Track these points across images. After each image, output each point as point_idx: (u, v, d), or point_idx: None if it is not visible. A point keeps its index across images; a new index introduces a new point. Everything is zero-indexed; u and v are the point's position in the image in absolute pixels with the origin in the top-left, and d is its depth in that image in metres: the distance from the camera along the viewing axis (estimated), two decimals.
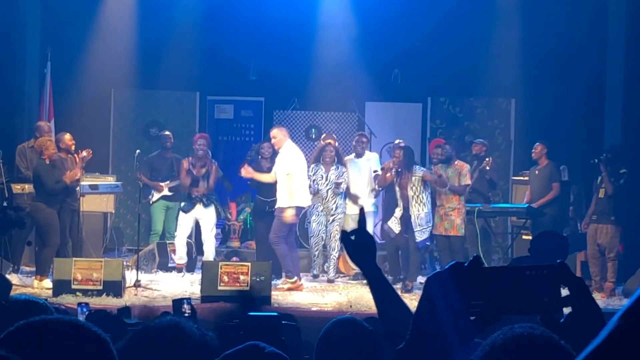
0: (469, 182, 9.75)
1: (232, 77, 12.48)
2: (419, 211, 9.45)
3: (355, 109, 12.41)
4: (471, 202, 10.10)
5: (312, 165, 9.93)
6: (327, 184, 9.80)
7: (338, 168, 9.86)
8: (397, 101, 12.59)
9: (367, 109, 12.55)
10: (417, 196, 9.44)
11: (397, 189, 9.52)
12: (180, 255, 10.01)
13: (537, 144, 10.26)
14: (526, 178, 10.74)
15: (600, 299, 8.87)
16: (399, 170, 9.45)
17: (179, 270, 9.99)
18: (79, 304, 5.80)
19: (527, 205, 10.11)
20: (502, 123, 12.65)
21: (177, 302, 5.79)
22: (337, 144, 10.91)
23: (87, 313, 5.37)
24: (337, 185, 9.77)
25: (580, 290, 1.60)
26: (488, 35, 12.18)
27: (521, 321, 1.55)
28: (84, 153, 9.19)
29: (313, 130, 12.66)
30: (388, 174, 9.59)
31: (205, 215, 9.99)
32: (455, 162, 9.84)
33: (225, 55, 12.12)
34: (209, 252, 9.96)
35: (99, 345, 1.51)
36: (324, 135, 11.23)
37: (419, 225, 9.44)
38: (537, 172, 10.22)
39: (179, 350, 2.04)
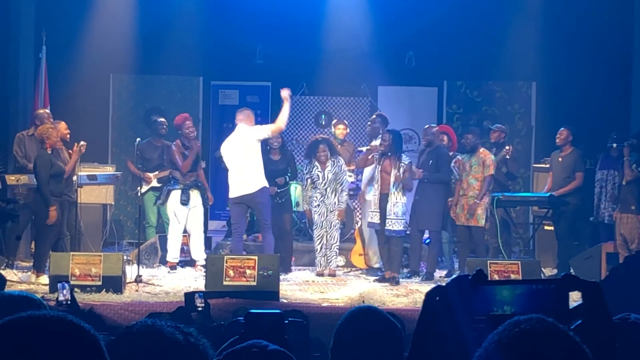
0: (492, 172, 9.51)
1: (237, 61, 12.31)
2: (397, 199, 9.19)
3: (367, 94, 12.22)
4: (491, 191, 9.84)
5: (305, 162, 9.80)
6: (324, 183, 9.62)
7: (334, 163, 9.68)
8: (412, 85, 12.44)
9: (380, 94, 12.37)
10: (398, 184, 9.19)
11: (377, 171, 9.26)
12: (174, 255, 9.58)
13: (563, 128, 10.04)
14: (548, 165, 10.51)
15: None
16: (387, 153, 9.20)
17: (172, 268, 9.54)
18: (59, 282, 5.61)
19: (549, 194, 9.86)
20: (522, 108, 12.47)
21: (189, 296, 5.68)
22: (348, 130, 10.88)
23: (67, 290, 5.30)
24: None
25: (594, 297, 1.62)
26: (507, 14, 11.97)
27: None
28: (82, 143, 9.05)
29: (323, 116, 12.51)
30: (370, 156, 9.41)
31: (197, 203, 9.59)
32: (480, 151, 9.60)
33: (230, 37, 11.94)
34: (199, 247, 9.58)
35: (89, 343, 1.48)
36: (334, 121, 11.06)
37: (394, 214, 9.17)
38: (560, 158, 10.01)
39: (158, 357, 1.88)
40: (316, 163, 9.61)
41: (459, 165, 9.61)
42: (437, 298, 1.64)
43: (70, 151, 9.17)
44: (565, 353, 1.42)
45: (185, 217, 9.51)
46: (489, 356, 1.44)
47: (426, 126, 10.01)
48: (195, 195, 9.52)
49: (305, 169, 9.72)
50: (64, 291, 5.58)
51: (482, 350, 1.47)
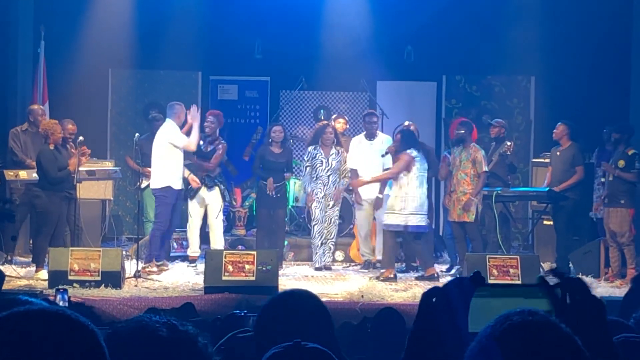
0: (485, 169, 9.44)
1: (236, 56, 12.22)
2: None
3: (366, 89, 12.13)
4: (489, 186, 9.78)
5: (310, 148, 9.71)
6: (327, 170, 9.57)
7: (338, 152, 9.66)
8: (411, 80, 12.32)
9: (379, 89, 12.26)
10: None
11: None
12: (194, 249, 9.70)
13: (559, 123, 9.98)
14: (547, 160, 10.45)
15: (618, 286, 8.71)
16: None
17: (192, 262, 9.64)
18: (57, 290, 5.53)
19: (547, 189, 9.81)
20: (521, 102, 12.38)
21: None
22: (347, 125, 10.82)
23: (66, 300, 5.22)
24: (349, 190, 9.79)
25: (578, 291, 1.62)
26: (506, 9, 11.87)
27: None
28: (87, 151, 9.08)
29: (322, 111, 12.37)
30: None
31: (211, 200, 9.57)
32: (470, 146, 9.50)
33: (229, 32, 11.84)
34: (217, 240, 9.55)
35: (87, 338, 1.45)
36: (334, 115, 11.01)
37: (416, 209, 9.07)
38: (558, 153, 9.95)
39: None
40: (320, 149, 9.56)
41: (449, 161, 9.52)
42: (434, 299, 1.64)
43: (70, 145, 9.16)
44: (557, 344, 1.42)
45: (200, 212, 9.55)
46: (481, 350, 1.45)
47: (406, 122, 9.91)
48: (207, 191, 9.51)
49: (307, 156, 9.64)
50: (62, 302, 5.50)
51: (474, 344, 1.47)
